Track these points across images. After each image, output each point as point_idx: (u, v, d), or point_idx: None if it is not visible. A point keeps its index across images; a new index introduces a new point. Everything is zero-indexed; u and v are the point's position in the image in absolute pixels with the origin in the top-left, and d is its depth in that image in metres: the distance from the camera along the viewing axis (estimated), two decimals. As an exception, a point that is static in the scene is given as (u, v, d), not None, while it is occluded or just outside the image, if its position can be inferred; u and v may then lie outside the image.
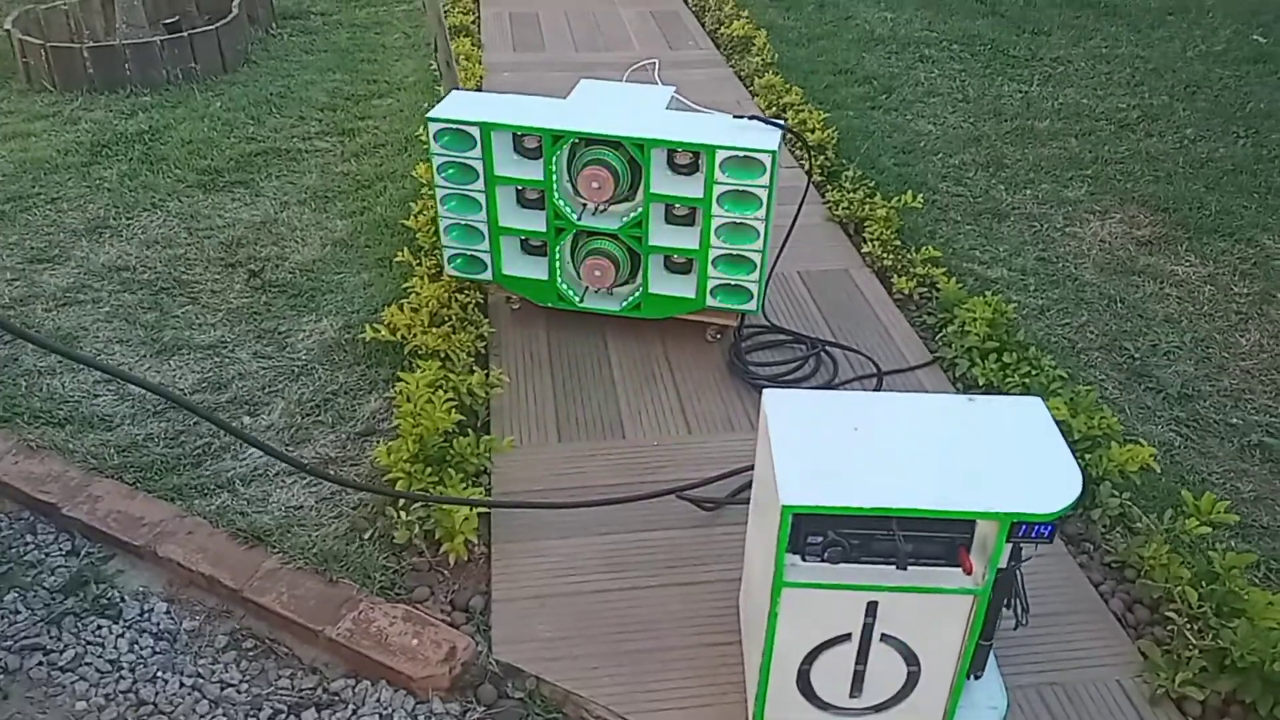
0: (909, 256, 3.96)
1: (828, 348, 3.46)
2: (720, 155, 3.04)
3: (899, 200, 4.22)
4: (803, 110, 5.12)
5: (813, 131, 4.85)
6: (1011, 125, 5.57)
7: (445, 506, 2.56)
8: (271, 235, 4.25)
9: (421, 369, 3.01)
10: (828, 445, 2.00)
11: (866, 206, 4.23)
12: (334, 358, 3.45)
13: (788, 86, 5.47)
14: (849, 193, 4.37)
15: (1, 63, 5.89)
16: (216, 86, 5.81)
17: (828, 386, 3.29)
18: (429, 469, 2.65)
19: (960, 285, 3.75)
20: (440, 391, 2.87)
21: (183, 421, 3.14)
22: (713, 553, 2.65)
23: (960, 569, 1.94)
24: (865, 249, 4.07)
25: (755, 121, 3.15)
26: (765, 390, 2.12)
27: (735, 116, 3.18)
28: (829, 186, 4.55)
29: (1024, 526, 1.86)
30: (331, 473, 2.84)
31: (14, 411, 3.13)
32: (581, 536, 2.67)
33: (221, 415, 3.17)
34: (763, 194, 3.07)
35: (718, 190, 3.10)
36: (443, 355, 3.18)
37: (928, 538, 1.93)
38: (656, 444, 3.02)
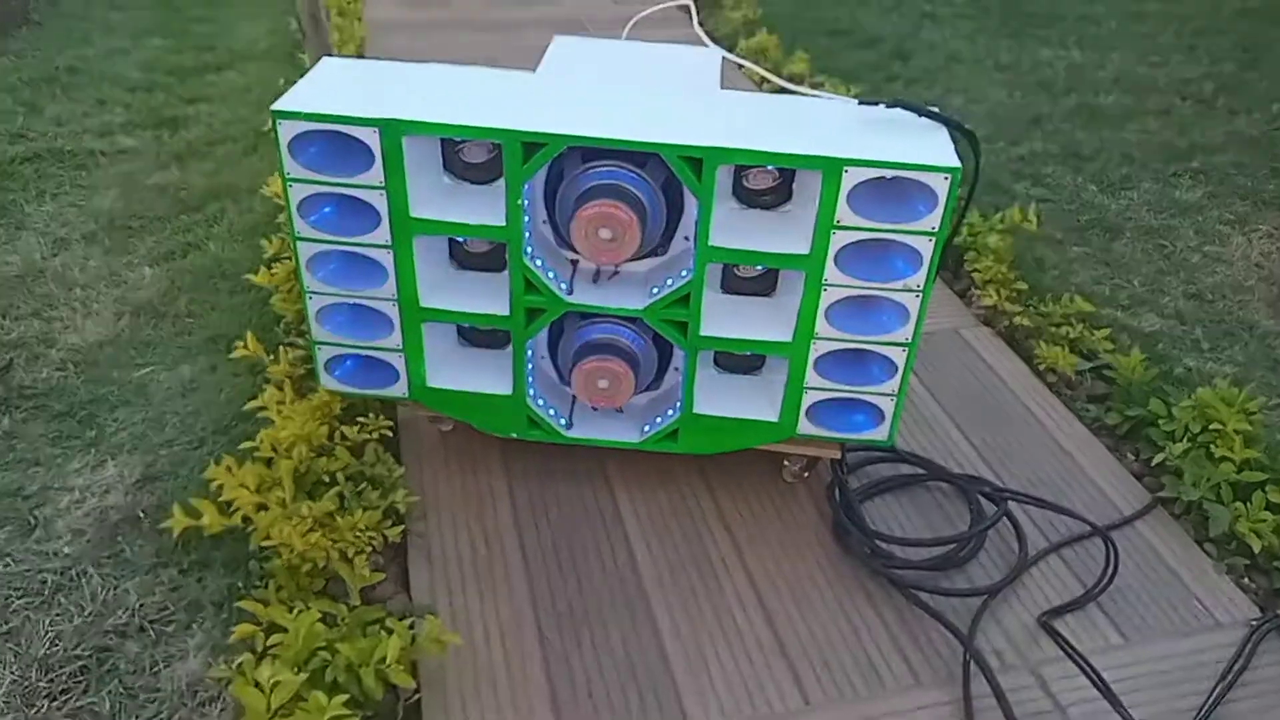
0: (1045, 309, 2.60)
1: (1009, 498, 2.04)
2: (851, 176, 1.59)
3: (1003, 217, 2.86)
4: (818, 86, 3.71)
5: (844, 114, 3.45)
6: (1070, 102, 4.27)
7: None
8: (34, 298, 2.62)
9: (278, 640, 1.49)
10: None
11: (966, 229, 2.84)
12: (121, 548, 1.89)
13: (788, 52, 4.05)
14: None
15: None
16: (-21, 58, 4.08)
17: (1017, 571, 1.88)
18: None
19: (1143, 358, 2.41)
20: (320, 694, 1.37)
21: None
22: None
23: None
24: (980, 296, 2.67)
25: (898, 109, 1.71)
26: None
27: (861, 101, 1.73)
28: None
29: None
30: None
31: None
32: None
33: (-119, 707, 1.60)
34: (926, 246, 1.64)
35: (839, 241, 1.65)
36: (320, 567, 1.66)
37: None
38: (751, 737, 1.57)
